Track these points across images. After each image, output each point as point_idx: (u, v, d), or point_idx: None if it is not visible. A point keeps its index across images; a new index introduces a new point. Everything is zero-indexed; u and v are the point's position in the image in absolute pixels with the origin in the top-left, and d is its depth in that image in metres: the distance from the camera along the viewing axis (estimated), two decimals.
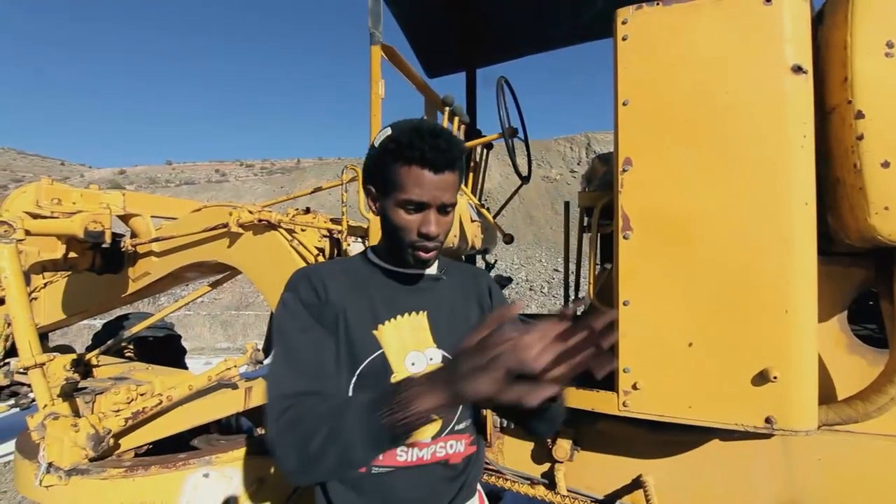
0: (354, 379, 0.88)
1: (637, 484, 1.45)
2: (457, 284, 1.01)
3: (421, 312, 0.93)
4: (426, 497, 0.91)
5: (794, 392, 1.14)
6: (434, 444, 0.91)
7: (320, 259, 1.84)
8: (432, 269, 0.98)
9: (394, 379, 0.88)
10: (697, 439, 1.38)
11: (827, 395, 1.32)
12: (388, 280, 0.95)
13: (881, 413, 1.21)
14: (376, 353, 0.88)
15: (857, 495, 1.30)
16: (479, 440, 1.02)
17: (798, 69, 1.14)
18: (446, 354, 0.92)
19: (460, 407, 0.92)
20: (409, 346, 0.90)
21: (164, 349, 3.42)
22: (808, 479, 1.34)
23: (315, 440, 0.69)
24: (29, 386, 2.59)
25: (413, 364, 0.90)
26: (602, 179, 1.83)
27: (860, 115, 1.12)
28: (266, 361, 2.33)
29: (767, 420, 1.15)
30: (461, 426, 0.94)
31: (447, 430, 0.92)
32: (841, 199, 1.20)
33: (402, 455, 0.90)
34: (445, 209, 0.87)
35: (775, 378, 1.12)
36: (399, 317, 0.92)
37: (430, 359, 0.92)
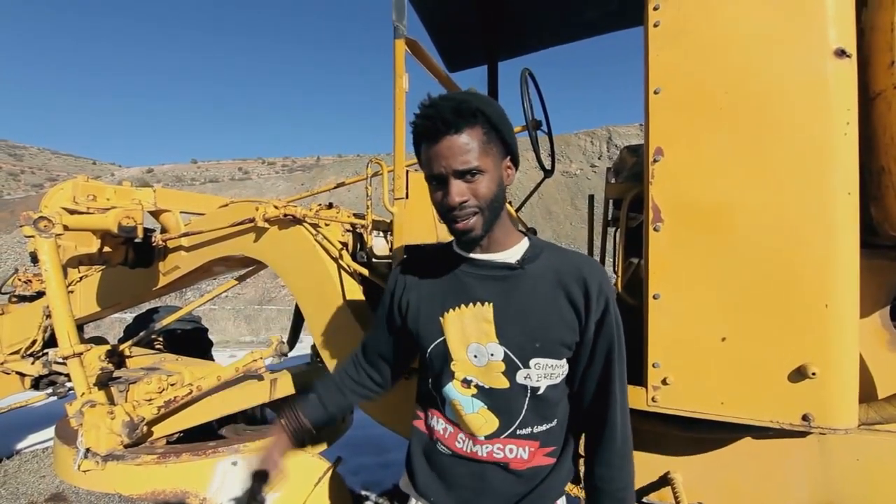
0: (427, 359, 0.94)
1: (665, 481, 1.42)
2: (546, 275, 0.89)
3: (487, 304, 0.88)
4: (482, 493, 0.91)
5: (833, 389, 1.10)
6: (489, 443, 0.90)
7: (344, 253, 1.85)
8: (510, 257, 0.91)
9: (453, 367, 0.90)
10: (729, 437, 1.34)
11: (867, 392, 1.27)
12: (461, 267, 0.93)
13: None
14: (439, 340, 0.91)
15: None
16: (563, 454, 0.96)
17: (841, 53, 1.09)
18: (508, 352, 0.87)
19: (522, 410, 0.89)
20: (472, 337, 0.88)
21: (192, 341, 3.51)
22: (845, 480, 1.29)
23: None
24: (66, 375, 2.69)
25: (475, 357, 0.88)
26: (631, 171, 1.79)
27: None
28: (291, 354, 2.37)
29: (805, 417, 1.11)
30: (524, 431, 0.90)
31: (506, 433, 0.89)
32: (885, 188, 1.15)
33: (460, 443, 0.92)
34: (463, 175, 0.81)
35: (814, 374, 1.08)
36: (463, 306, 0.89)
37: (492, 354, 0.87)
